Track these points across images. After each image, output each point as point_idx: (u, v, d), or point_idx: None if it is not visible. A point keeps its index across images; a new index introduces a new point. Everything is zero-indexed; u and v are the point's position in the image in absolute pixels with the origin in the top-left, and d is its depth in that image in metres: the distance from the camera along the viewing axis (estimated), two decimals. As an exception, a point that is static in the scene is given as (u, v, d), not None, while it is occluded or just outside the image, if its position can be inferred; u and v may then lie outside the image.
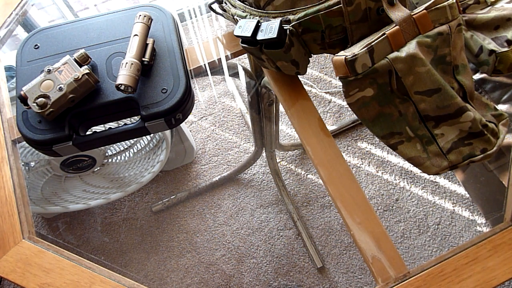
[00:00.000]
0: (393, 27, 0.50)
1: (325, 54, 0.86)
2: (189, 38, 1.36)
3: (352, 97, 0.52)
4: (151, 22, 0.66)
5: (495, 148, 0.56)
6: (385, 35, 0.49)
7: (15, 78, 0.66)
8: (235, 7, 0.62)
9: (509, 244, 0.57)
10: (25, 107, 0.61)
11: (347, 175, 0.59)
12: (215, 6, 0.69)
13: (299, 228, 1.28)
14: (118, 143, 0.95)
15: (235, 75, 0.87)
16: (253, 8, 0.59)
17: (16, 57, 0.68)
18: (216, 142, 1.38)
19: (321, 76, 1.54)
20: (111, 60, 0.66)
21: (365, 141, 1.41)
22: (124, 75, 0.60)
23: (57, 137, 0.62)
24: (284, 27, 0.54)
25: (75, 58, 0.62)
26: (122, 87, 0.60)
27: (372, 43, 0.49)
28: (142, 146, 0.99)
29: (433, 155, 0.54)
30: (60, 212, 1.06)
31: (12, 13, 0.83)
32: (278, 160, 1.39)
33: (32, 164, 0.89)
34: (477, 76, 0.73)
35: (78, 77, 0.60)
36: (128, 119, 0.74)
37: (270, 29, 0.54)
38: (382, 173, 1.35)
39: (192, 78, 0.67)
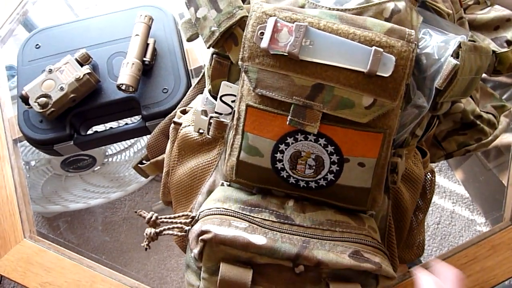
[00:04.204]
0: None
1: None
2: (190, 37, 1.36)
3: None
4: (152, 22, 0.66)
5: (490, 138, 0.56)
6: None
7: (16, 77, 0.66)
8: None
9: (508, 244, 0.57)
10: (26, 107, 0.61)
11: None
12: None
13: (299, 228, 1.28)
14: (118, 142, 0.95)
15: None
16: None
17: (17, 56, 0.68)
18: (216, 142, 1.38)
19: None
20: (112, 60, 0.66)
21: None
22: (125, 75, 0.60)
23: (58, 136, 0.62)
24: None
25: (76, 58, 0.62)
26: (123, 87, 0.60)
27: None
28: (143, 145, 0.99)
29: (429, 145, 0.54)
30: (60, 211, 1.06)
31: (12, 12, 0.83)
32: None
33: (33, 163, 0.89)
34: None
35: (79, 76, 0.60)
36: (129, 118, 0.74)
37: None
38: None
39: (193, 77, 0.67)
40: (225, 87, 0.44)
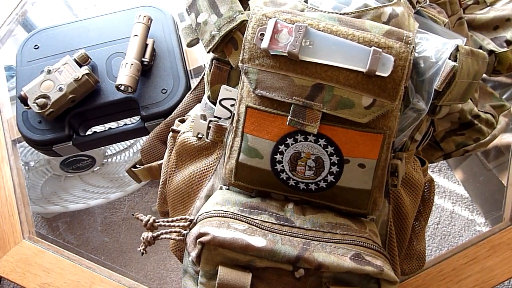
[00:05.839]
0: None
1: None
2: (189, 37, 1.36)
3: None
4: (151, 22, 0.66)
5: (488, 138, 0.56)
6: None
7: (15, 78, 0.66)
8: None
9: (508, 244, 0.57)
10: (25, 108, 0.61)
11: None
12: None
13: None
14: (118, 143, 0.95)
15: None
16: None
17: (16, 57, 0.68)
18: (216, 142, 1.38)
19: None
20: (111, 60, 0.66)
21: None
22: (124, 75, 0.60)
23: (57, 137, 0.62)
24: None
25: (75, 59, 0.62)
26: (122, 87, 0.60)
27: None
28: (142, 146, 0.99)
29: (426, 146, 0.54)
30: (60, 211, 1.06)
31: (12, 13, 0.83)
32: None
33: (32, 163, 0.89)
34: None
35: (78, 77, 0.60)
36: (128, 119, 0.74)
37: None
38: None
39: (192, 78, 0.67)
40: (224, 91, 0.44)
